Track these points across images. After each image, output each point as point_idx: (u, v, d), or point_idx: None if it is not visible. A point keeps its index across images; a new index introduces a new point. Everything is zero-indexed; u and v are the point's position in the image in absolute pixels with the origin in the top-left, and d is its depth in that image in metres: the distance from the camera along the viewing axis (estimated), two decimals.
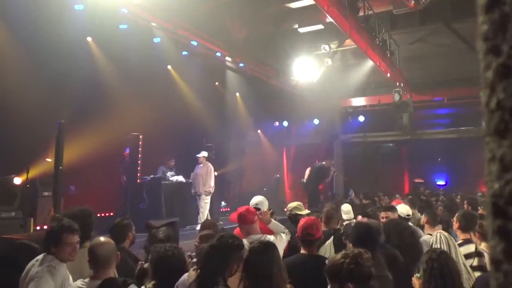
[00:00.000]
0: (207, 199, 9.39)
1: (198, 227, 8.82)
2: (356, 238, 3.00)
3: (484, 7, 0.46)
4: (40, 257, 2.92)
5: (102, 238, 2.74)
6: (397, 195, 12.13)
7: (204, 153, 9.66)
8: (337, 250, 3.20)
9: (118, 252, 2.74)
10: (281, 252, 3.70)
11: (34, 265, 2.83)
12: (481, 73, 0.49)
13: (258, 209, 4.06)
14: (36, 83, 7.80)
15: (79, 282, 2.59)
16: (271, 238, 3.62)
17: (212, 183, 9.56)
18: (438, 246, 3.22)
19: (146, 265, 3.14)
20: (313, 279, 2.92)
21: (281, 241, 3.72)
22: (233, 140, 15.04)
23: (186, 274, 2.49)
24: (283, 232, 3.82)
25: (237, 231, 4.11)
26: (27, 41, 7.67)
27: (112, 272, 2.63)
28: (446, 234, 3.40)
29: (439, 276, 2.36)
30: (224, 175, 14.07)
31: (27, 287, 2.68)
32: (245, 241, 3.08)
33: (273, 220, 4.03)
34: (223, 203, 13.10)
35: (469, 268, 3.08)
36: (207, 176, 9.44)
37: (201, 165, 9.31)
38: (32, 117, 7.59)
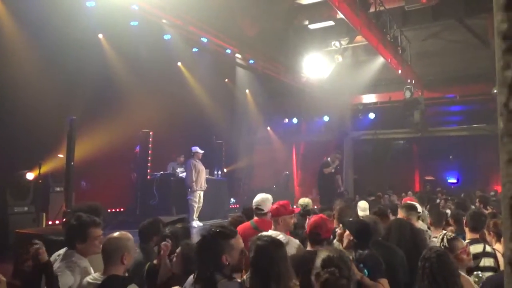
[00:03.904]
0: None
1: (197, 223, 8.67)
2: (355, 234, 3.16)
3: (504, 5, 0.44)
4: (62, 251, 2.96)
5: (115, 234, 2.65)
6: (409, 192, 12.07)
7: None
8: None
9: (126, 252, 2.56)
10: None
11: (56, 260, 2.88)
12: (498, 72, 0.48)
13: (261, 209, 3.99)
14: (48, 80, 7.86)
15: (89, 277, 2.59)
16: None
17: None
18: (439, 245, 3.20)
19: (155, 262, 3.15)
20: None
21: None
22: (242, 137, 15.05)
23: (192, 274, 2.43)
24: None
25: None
26: (39, 38, 7.72)
27: (118, 269, 2.53)
28: (450, 234, 3.36)
29: (431, 275, 2.39)
30: (233, 171, 14.10)
31: None
32: (281, 236, 3.18)
33: None
34: (232, 199, 13.11)
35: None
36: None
37: (198, 160, 9.07)
38: (44, 113, 7.66)
